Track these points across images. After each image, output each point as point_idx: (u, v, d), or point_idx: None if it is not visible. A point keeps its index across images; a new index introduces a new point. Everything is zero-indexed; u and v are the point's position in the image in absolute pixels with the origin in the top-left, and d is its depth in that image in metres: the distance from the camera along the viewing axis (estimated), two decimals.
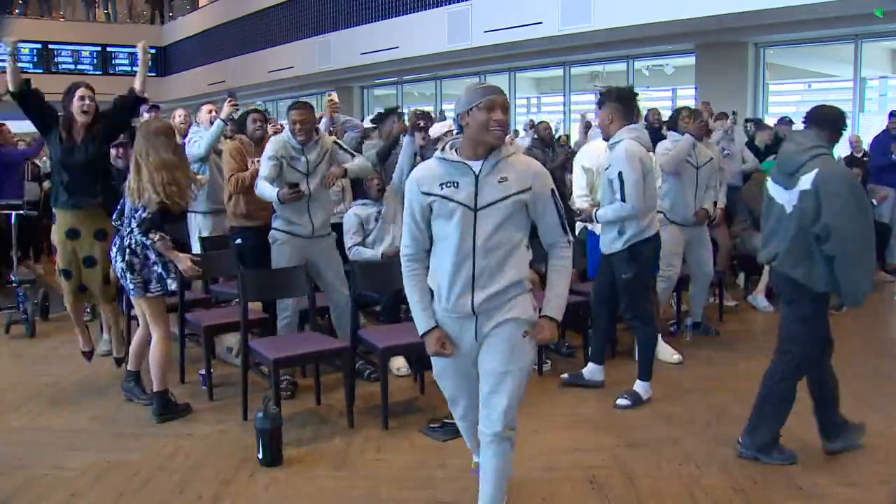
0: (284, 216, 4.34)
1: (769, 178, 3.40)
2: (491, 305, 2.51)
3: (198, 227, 5.55)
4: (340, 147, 4.55)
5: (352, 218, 5.04)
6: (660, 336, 4.70)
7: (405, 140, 5.26)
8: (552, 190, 2.53)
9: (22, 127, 7.84)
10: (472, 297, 2.50)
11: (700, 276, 5.38)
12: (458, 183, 2.48)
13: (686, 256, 5.31)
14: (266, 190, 4.25)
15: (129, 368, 4.17)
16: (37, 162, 8.54)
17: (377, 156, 5.52)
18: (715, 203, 5.46)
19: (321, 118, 5.40)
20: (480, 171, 2.47)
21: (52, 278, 6.37)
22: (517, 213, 2.49)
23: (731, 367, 4.78)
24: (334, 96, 5.33)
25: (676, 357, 4.79)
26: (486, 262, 2.47)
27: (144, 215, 3.68)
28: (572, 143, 9.15)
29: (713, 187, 5.37)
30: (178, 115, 6.19)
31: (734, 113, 8.33)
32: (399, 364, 4.61)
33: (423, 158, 5.51)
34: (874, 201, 7.24)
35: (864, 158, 8.38)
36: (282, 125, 8.79)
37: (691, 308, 5.49)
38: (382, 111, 6.09)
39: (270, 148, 4.32)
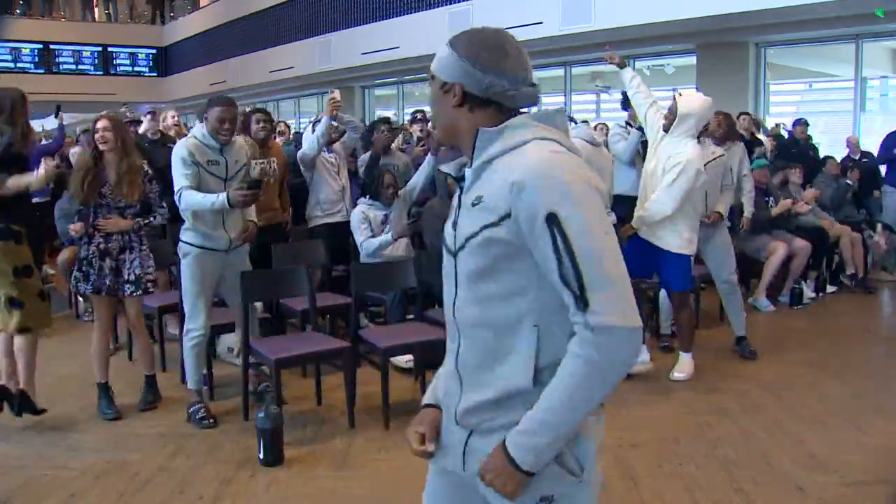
0: (199, 229, 3.80)
1: None
2: (480, 422, 1.43)
3: None
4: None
5: (358, 215, 5.07)
6: (689, 355, 4.53)
7: (427, 158, 5.28)
8: (551, 215, 1.29)
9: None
10: (460, 397, 1.48)
11: (717, 283, 5.06)
12: (456, 206, 1.49)
13: (704, 260, 5.10)
14: (196, 198, 3.68)
15: (146, 373, 4.19)
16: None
17: (365, 169, 5.66)
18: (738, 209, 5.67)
19: (321, 118, 5.40)
20: (466, 183, 1.46)
21: (59, 279, 6.39)
22: (501, 264, 1.37)
23: (732, 367, 4.77)
24: (336, 94, 5.27)
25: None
26: (469, 342, 1.45)
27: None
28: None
29: (728, 186, 5.15)
30: (171, 117, 6.24)
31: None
32: (407, 357, 4.55)
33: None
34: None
35: (864, 160, 8.36)
36: (286, 124, 8.76)
37: (732, 323, 5.09)
38: (376, 120, 6.16)
39: (182, 152, 3.74)
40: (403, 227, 5.01)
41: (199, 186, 3.74)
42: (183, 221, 3.88)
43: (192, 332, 3.85)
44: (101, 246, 3.88)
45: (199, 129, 3.89)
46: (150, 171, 4.01)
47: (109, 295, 3.94)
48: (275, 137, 6.22)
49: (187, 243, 3.85)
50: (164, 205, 4.01)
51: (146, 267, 3.99)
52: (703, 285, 5.57)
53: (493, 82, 1.41)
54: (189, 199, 3.70)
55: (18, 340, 3.82)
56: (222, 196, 3.66)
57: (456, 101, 1.46)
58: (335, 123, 5.38)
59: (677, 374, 4.50)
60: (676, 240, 4.32)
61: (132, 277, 3.92)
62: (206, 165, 3.78)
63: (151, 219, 3.99)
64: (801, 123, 8.70)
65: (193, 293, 3.83)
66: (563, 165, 1.33)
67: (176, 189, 3.72)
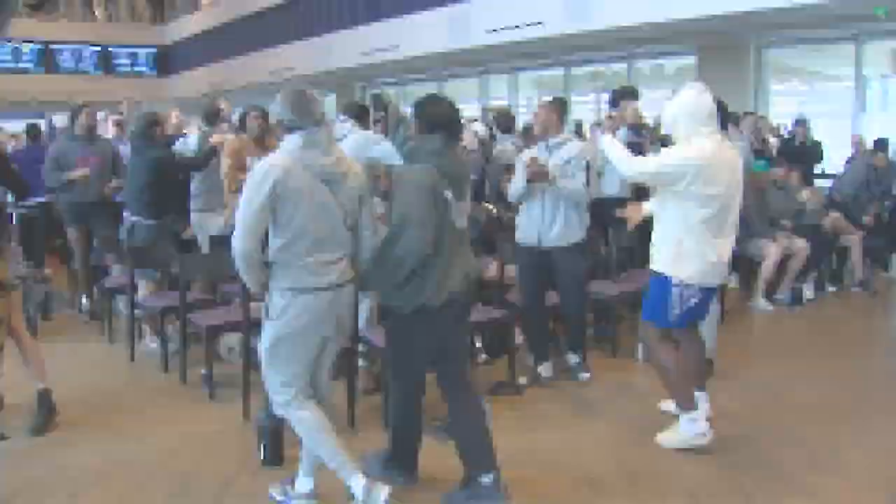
0: None
1: None
2: None
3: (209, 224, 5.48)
4: None
5: None
6: (690, 417, 3.46)
7: None
8: None
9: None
10: None
11: None
12: None
13: None
14: None
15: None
16: None
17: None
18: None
19: None
20: None
21: (57, 280, 6.39)
22: None
23: (732, 367, 4.76)
24: (333, 98, 5.27)
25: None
26: None
27: None
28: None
29: None
30: (174, 116, 6.29)
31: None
32: None
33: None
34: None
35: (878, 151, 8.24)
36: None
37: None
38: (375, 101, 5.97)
39: None
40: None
41: None
42: None
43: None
44: None
45: None
46: None
47: None
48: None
49: None
50: None
51: None
52: None
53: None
54: None
55: None
56: None
57: None
58: None
59: (665, 440, 3.53)
60: (666, 254, 3.35)
61: None
62: None
63: None
64: (801, 124, 8.61)
65: None
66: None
67: None
